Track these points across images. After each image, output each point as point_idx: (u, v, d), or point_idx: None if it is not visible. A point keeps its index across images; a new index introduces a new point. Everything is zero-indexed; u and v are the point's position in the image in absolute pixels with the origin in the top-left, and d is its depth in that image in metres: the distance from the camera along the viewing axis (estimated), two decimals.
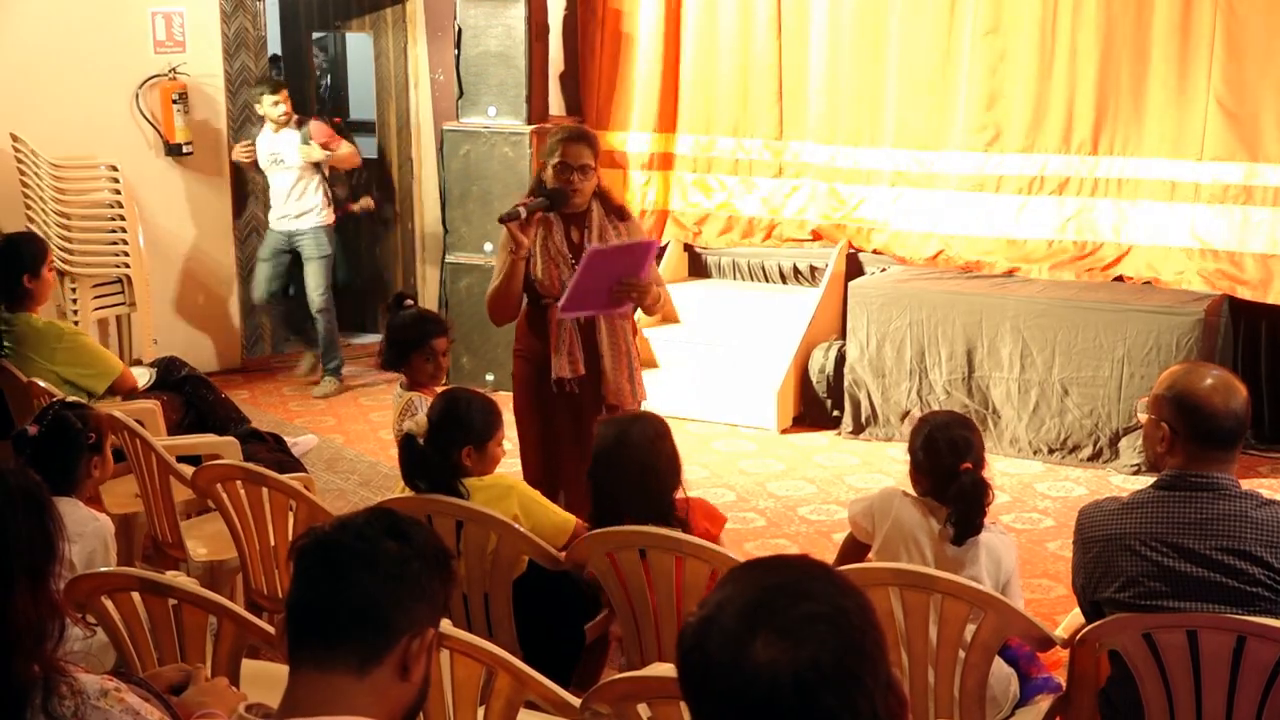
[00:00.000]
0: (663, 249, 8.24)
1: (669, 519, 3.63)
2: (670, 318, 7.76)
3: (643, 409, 3.88)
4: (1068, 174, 7.24)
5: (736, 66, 8.02)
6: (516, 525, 3.67)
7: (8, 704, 1.75)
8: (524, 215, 4.54)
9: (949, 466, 3.50)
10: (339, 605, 1.82)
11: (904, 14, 7.53)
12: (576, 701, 2.76)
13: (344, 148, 8.02)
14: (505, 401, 4.51)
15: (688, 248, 8.43)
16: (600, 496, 3.71)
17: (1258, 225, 6.79)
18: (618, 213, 4.79)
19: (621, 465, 3.66)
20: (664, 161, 8.35)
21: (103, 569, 3.31)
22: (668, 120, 8.29)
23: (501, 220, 4.55)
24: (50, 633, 1.82)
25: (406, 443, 3.84)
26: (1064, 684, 3.36)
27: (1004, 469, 6.62)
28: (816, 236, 7.98)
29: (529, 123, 7.83)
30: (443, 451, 3.79)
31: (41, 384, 4.95)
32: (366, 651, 1.81)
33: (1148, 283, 7.01)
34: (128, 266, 7.81)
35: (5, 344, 5.32)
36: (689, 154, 8.29)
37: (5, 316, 5.38)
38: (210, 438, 5.24)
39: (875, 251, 7.78)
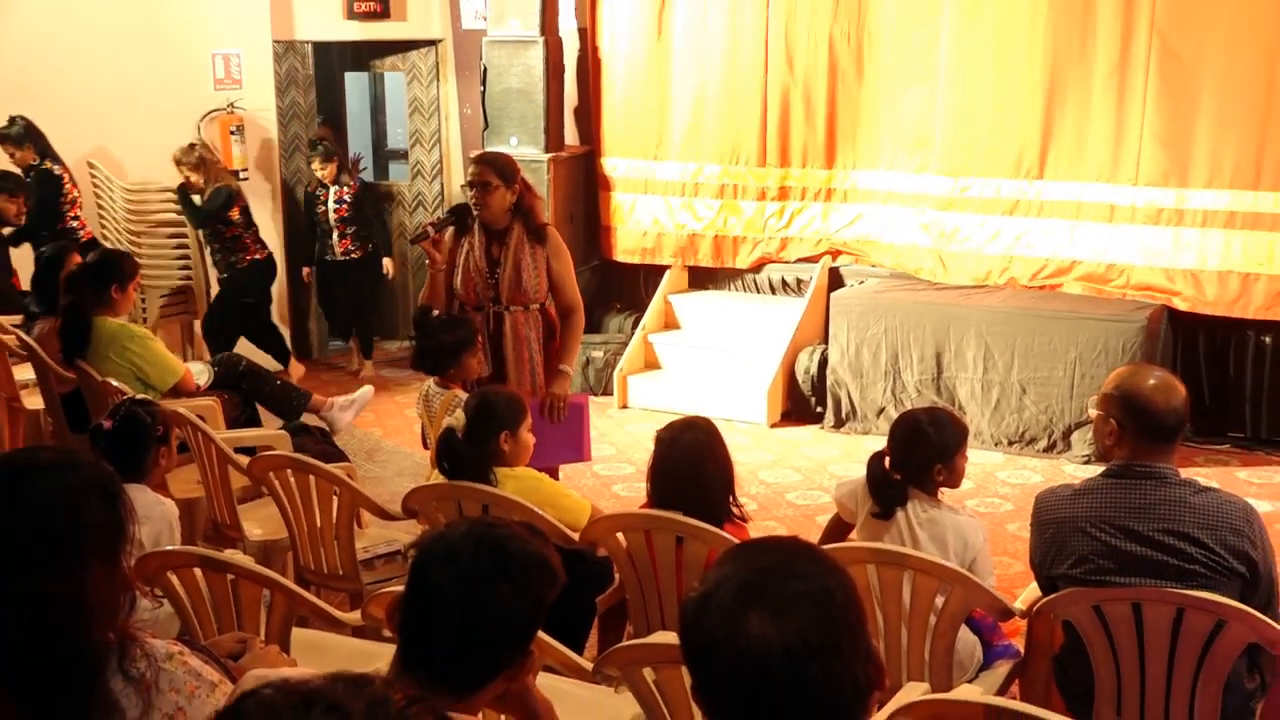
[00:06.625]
0: (660, 272, 8.16)
1: (715, 521, 3.49)
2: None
3: (699, 416, 3.81)
4: (1018, 197, 7.20)
5: (726, 94, 7.84)
6: (536, 509, 3.67)
7: (89, 665, 1.78)
8: (431, 234, 4.65)
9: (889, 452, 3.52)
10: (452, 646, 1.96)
11: (895, 45, 7.42)
12: (589, 665, 2.76)
13: None
14: None
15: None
16: (654, 492, 3.62)
17: (1187, 244, 6.76)
18: (536, 234, 4.80)
19: (673, 467, 3.57)
20: (653, 186, 8.15)
21: (168, 548, 3.32)
22: (658, 146, 8.08)
23: (412, 241, 4.58)
24: (121, 605, 1.84)
25: (449, 436, 3.79)
26: (1022, 650, 3.36)
27: (968, 459, 6.59)
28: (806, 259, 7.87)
29: (546, 151, 7.83)
30: (482, 440, 3.76)
31: (114, 383, 4.95)
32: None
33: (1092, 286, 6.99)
34: (190, 279, 7.82)
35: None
36: (677, 179, 8.07)
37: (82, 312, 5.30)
38: (264, 431, 5.25)
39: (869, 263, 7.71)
